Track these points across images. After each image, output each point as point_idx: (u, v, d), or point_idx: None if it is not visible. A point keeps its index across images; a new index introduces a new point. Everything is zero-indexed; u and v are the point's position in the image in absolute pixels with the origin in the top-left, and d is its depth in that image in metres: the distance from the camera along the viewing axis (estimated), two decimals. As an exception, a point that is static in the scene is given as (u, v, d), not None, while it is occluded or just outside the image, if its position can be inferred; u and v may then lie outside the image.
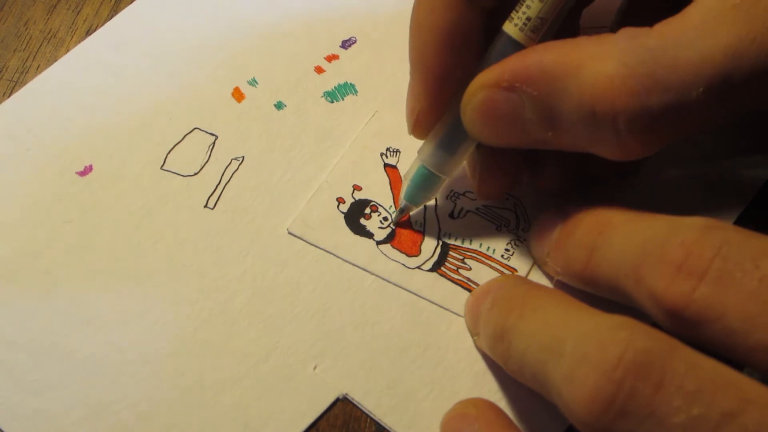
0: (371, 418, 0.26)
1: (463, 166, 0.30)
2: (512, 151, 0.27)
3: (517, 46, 0.25)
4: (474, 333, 0.27)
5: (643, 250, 0.22)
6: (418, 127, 0.28)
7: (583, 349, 0.20)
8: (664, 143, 0.23)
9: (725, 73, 0.21)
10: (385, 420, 0.26)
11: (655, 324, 0.21)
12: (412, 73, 0.27)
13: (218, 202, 0.31)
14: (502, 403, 0.26)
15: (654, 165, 0.31)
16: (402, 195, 0.29)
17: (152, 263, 0.29)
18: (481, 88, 0.24)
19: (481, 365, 0.27)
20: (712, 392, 0.18)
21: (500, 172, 0.28)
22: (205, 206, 0.31)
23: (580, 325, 0.21)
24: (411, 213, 0.30)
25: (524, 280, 0.28)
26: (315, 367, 0.27)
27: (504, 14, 0.25)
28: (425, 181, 0.28)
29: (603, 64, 0.22)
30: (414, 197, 0.29)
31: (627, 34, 0.23)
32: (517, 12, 0.25)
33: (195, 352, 0.27)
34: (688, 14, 0.22)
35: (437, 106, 0.27)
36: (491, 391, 0.26)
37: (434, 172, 0.28)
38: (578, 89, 0.22)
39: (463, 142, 0.27)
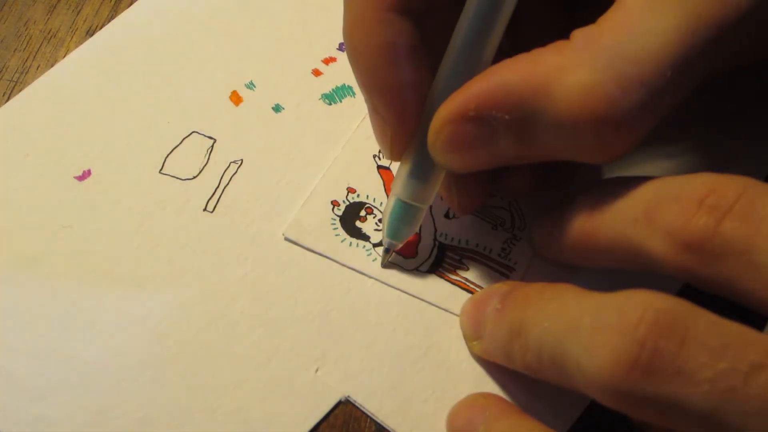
0: (371, 419, 0.26)
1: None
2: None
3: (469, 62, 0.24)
4: (474, 337, 0.27)
5: (656, 194, 0.22)
6: (396, 151, 0.27)
7: (601, 319, 0.20)
8: (646, 133, 0.23)
9: (685, 52, 0.21)
10: (388, 422, 0.26)
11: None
12: (370, 99, 0.26)
13: (217, 205, 0.31)
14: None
15: (650, 166, 0.31)
16: (384, 233, 0.28)
17: (152, 267, 0.29)
18: (447, 122, 0.24)
19: (484, 366, 0.27)
20: (738, 346, 0.18)
21: (475, 186, 0.28)
22: (204, 210, 0.31)
23: (595, 301, 0.21)
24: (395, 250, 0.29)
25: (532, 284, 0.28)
26: (317, 370, 0.27)
27: (433, 17, 0.25)
28: (405, 214, 0.27)
29: (573, 75, 0.22)
30: (397, 233, 0.28)
31: (581, 38, 0.22)
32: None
33: (196, 356, 0.28)
34: (625, 4, 0.22)
35: (407, 122, 0.26)
36: (493, 392, 0.26)
37: (412, 203, 0.27)
38: (554, 106, 0.22)
39: (435, 168, 0.26)
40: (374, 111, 0.26)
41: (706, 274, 0.20)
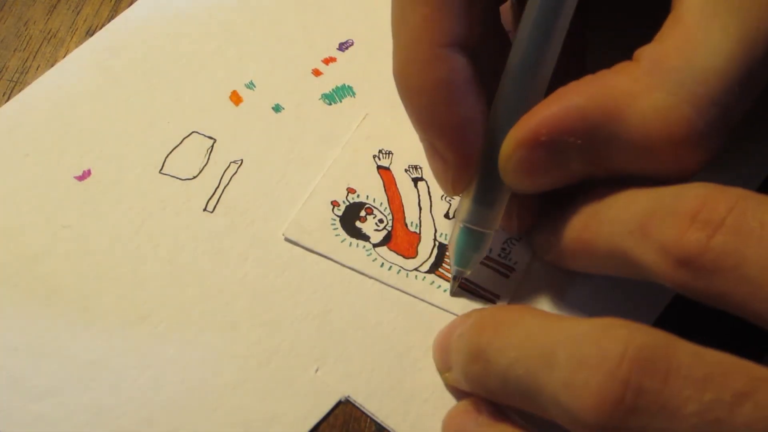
0: (371, 419, 0.26)
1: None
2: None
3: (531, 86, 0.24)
4: (444, 369, 0.26)
5: (651, 206, 0.22)
6: (458, 187, 0.26)
7: (578, 354, 0.20)
8: (719, 150, 0.23)
9: (748, 64, 0.22)
10: (388, 422, 0.26)
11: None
12: (428, 139, 0.26)
13: (217, 205, 0.31)
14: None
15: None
16: (452, 262, 0.27)
17: (152, 267, 0.29)
18: (519, 147, 0.23)
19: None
20: (721, 376, 0.18)
21: (534, 207, 0.28)
22: (204, 210, 0.31)
23: (567, 331, 0.21)
24: (465, 276, 0.29)
25: (493, 307, 0.28)
26: (317, 370, 0.27)
27: (484, 50, 0.25)
28: (473, 241, 0.27)
29: (646, 98, 0.22)
30: (464, 261, 0.27)
31: (648, 59, 0.23)
32: None
33: (196, 356, 0.28)
34: (683, 19, 0.22)
35: (468, 158, 0.25)
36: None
37: (479, 229, 0.26)
38: (628, 129, 0.22)
39: (500, 192, 0.26)
40: (433, 150, 0.26)
41: (700, 288, 0.20)
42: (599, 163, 0.24)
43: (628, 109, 0.22)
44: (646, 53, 0.23)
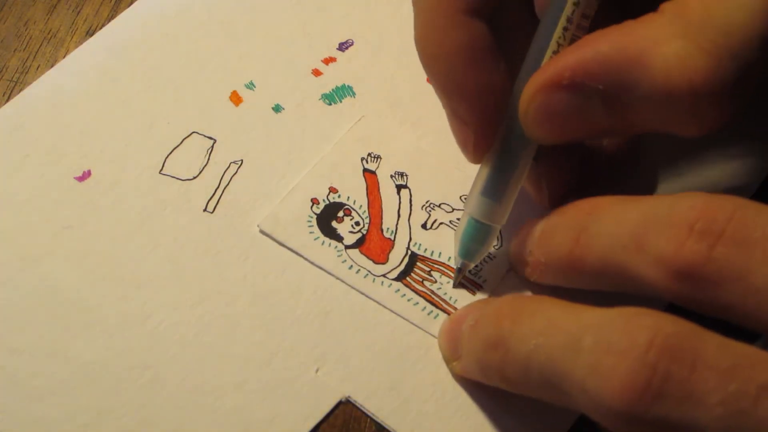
0: (371, 419, 0.26)
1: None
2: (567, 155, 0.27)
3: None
4: (453, 358, 0.26)
5: (645, 218, 0.22)
6: (479, 151, 0.26)
7: (606, 339, 0.20)
8: (740, 107, 0.23)
9: None
10: (388, 422, 0.26)
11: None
12: (450, 104, 0.26)
13: (217, 205, 0.31)
14: (505, 401, 0.26)
15: (650, 166, 0.31)
16: (456, 253, 0.28)
17: (152, 268, 0.29)
18: (540, 91, 0.24)
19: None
20: (747, 368, 0.18)
21: (566, 179, 0.28)
22: (205, 210, 0.31)
23: (593, 318, 0.21)
24: (469, 269, 0.28)
25: (509, 296, 0.27)
26: (317, 370, 0.27)
27: (503, 19, 0.25)
28: (479, 234, 0.27)
29: (667, 46, 0.22)
30: (469, 253, 0.27)
31: (672, 10, 0.23)
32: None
33: (196, 356, 0.28)
34: None
35: (490, 121, 0.26)
36: (494, 390, 0.26)
37: (484, 222, 0.27)
38: (649, 76, 0.22)
39: (509, 186, 0.26)
40: (455, 116, 0.26)
41: (701, 300, 0.20)
42: (620, 113, 0.23)
43: (650, 55, 0.22)
44: (669, 5, 0.23)
